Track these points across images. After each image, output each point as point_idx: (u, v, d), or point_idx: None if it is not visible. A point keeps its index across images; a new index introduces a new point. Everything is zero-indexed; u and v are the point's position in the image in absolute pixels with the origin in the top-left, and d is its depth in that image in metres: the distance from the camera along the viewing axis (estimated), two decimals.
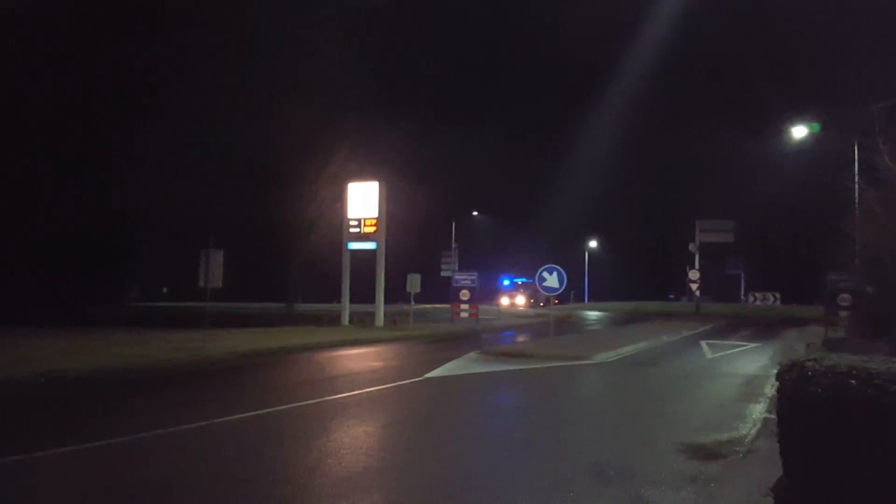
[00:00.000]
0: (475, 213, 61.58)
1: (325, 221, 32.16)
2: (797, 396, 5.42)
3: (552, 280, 20.19)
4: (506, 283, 61.79)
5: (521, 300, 58.82)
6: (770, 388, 11.34)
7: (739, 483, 6.37)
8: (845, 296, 25.80)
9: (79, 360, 14.33)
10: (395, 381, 12.87)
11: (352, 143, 32.37)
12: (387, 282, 29.50)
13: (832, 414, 5.00)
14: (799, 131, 24.09)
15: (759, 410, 10.25)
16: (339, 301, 30.22)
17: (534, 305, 56.17)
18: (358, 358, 17.52)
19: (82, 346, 17.39)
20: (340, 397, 10.94)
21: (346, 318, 29.35)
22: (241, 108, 31.53)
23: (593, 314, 49.92)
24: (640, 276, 75.68)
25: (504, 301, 55.98)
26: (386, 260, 29.12)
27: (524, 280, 60.87)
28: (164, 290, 60.80)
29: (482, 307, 34.39)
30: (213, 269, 17.70)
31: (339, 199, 30.20)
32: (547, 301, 52.50)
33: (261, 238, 33.55)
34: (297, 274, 34.59)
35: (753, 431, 8.71)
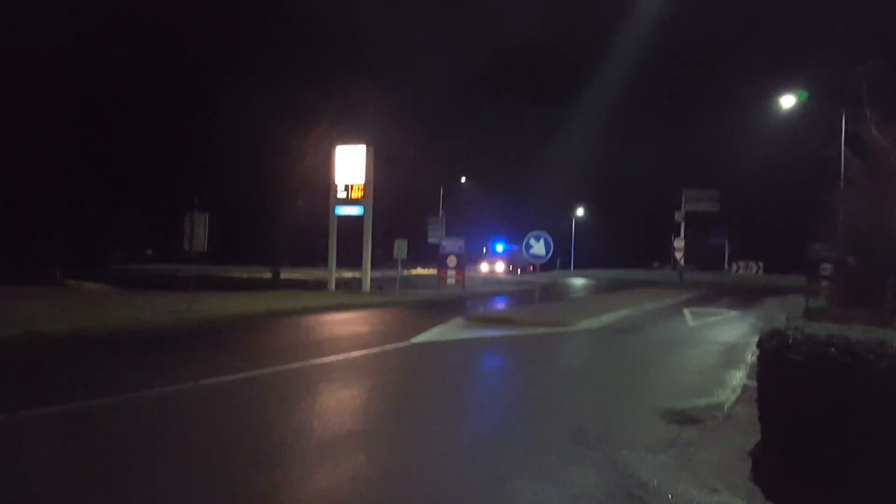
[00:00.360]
0: (463, 180, 61.47)
1: (311, 185, 31.92)
2: (777, 364, 5.51)
3: (539, 247, 20.24)
4: (499, 247, 61.62)
5: (500, 267, 59.00)
6: (750, 356, 11.51)
7: (718, 447, 6.50)
8: (827, 266, 26.13)
9: (63, 321, 14.27)
10: (380, 346, 12.93)
11: (339, 105, 31.99)
12: (374, 247, 29.48)
13: (811, 381, 5.09)
14: (787, 100, 24.11)
15: (738, 377, 10.41)
16: (325, 266, 30.19)
17: (512, 272, 56.43)
18: (344, 322, 17.57)
19: (66, 306, 17.30)
20: (326, 361, 10.98)
21: (332, 283, 29.35)
22: (224, 70, 31.06)
23: (578, 281, 50.23)
24: (626, 244, 76.24)
25: (483, 267, 55.73)
26: (373, 225, 29.06)
27: (506, 246, 61.03)
28: (149, 252, 60.52)
29: (468, 274, 34.52)
30: (198, 232, 17.63)
31: (326, 162, 29.98)
32: (524, 267, 53.01)
33: (246, 201, 33.29)
34: (282, 238, 34.42)
35: (733, 397, 8.86)
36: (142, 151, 32.80)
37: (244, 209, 33.50)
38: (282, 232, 33.63)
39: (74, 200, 31.71)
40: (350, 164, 29.11)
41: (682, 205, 51.92)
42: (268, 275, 33.88)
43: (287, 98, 30.97)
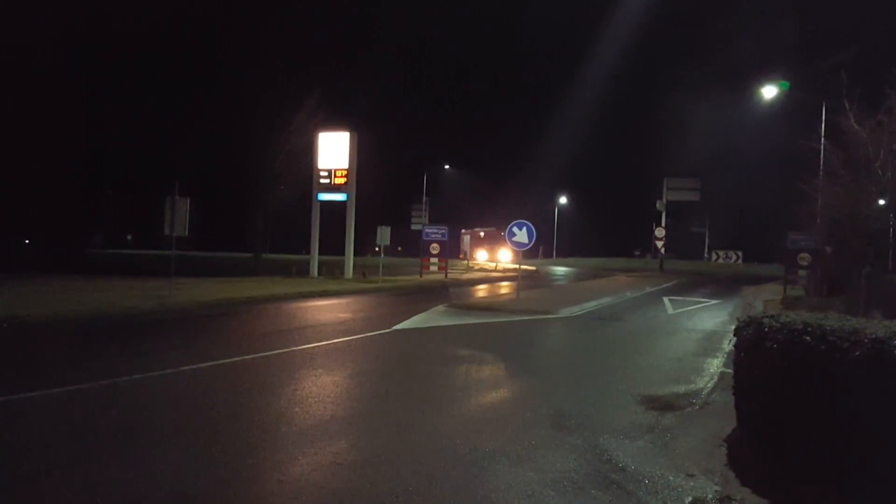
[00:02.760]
0: (447, 167, 61.32)
1: (294, 171, 31.75)
2: (753, 351, 5.60)
3: (521, 235, 20.32)
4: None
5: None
6: (728, 344, 11.68)
7: (694, 434, 6.60)
8: (805, 255, 26.50)
9: (42, 306, 14.13)
10: (363, 333, 12.95)
11: (322, 91, 31.81)
12: (356, 234, 29.42)
13: (786, 369, 5.18)
14: (769, 91, 24.27)
15: (716, 365, 10.56)
16: (307, 252, 30.08)
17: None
18: (326, 309, 17.54)
19: (45, 292, 17.12)
20: (308, 347, 10.99)
21: (314, 269, 29.27)
22: (206, 55, 30.70)
23: (560, 270, 50.45)
24: (607, 232, 76.85)
25: (503, 255, 50.16)
26: (356, 212, 28.97)
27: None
28: (129, 237, 59.88)
29: (451, 261, 34.57)
30: (179, 217, 17.45)
31: (309, 148, 29.81)
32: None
33: (228, 186, 33.03)
34: (264, 223, 34.24)
35: (710, 385, 8.99)
36: (121, 136, 32.31)
37: (226, 194, 33.24)
38: (264, 217, 33.44)
39: (53, 186, 31.23)
40: (333, 151, 28.97)
41: (664, 194, 52.09)
42: (250, 260, 33.70)
43: (270, 84, 30.73)
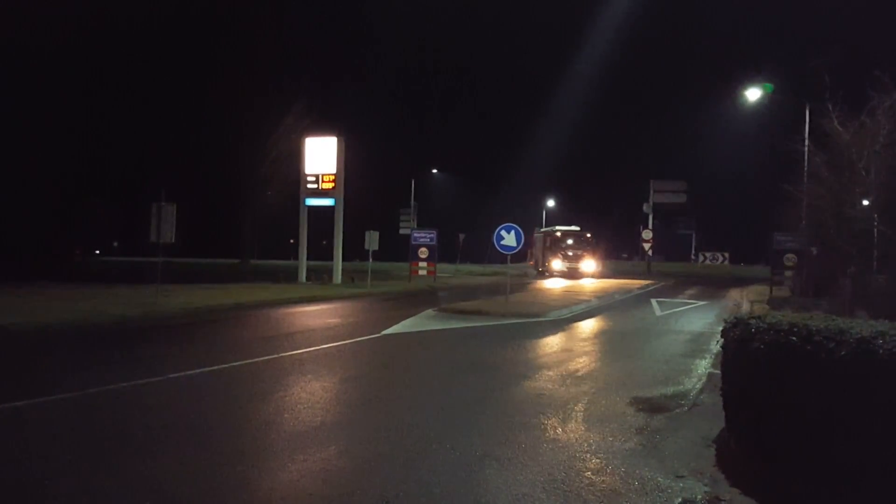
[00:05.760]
0: (435, 171, 61.37)
1: (281, 176, 31.68)
2: (740, 352, 5.64)
3: (510, 238, 20.37)
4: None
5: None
6: (715, 345, 11.73)
7: (683, 434, 6.63)
8: (791, 256, 26.74)
9: (27, 315, 13.99)
10: (352, 338, 12.92)
11: (309, 96, 31.80)
12: (345, 239, 29.37)
13: (773, 369, 5.22)
14: (753, 93, 24.48)
15: (704, 366, 10.63)
16: (295, 258, 30.02)
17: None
18: (315, 315, 17.50)
19: (30, 300, 16.97)
20: (297, 353, 10.95)
21: (303, 275, 29.19)
22: (192, 61, 30.58)
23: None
24: (596, 235, 77.01)
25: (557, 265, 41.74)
26: (344, 216, 28.93)
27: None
28: (115, 244, 59.50)
29: (440, 265, 34.56)
30: (166, 223, 17.36)
31: (297, 154, 29.75)
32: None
33: (215, 192, 32.89)
34: (252, 229, 34.11)
35: (698, 386, 9.04)
36: (106, 142, 32.08)
37: (213, 199, 33.11)
38: (251, 223, 33.32)
39: (37, 193, 30.91)
40: (320, 156, 28.94)
41: (651, 196, 52.43)
42: (237, 266, 33.54)
43: (257, 89, 30.66)
